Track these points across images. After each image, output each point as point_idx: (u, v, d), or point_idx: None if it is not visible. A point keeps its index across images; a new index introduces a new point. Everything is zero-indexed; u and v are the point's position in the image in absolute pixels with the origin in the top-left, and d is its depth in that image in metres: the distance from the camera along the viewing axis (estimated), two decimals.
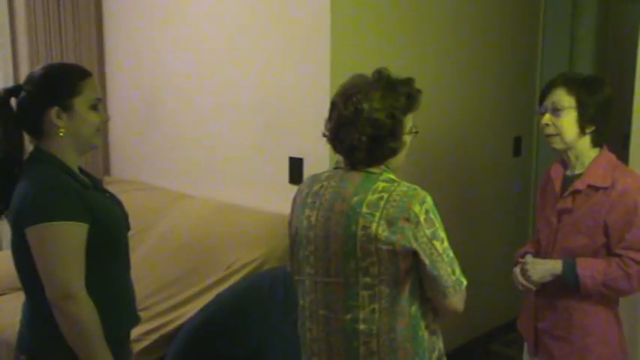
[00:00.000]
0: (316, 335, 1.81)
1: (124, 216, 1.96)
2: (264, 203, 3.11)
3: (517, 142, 3.86)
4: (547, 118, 2.04)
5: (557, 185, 2.12)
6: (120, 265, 1.92)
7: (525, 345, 2.33)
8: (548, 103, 2.05)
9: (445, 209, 3.27)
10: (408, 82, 1.76)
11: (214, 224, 3.07)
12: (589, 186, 2.01)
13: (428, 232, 1.65)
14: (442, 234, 1.68)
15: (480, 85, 3.54)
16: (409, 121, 1.77)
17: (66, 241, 1.69)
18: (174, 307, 2.79)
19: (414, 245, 1.64)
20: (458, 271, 1.71)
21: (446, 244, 1.69)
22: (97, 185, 1.92)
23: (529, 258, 2.14)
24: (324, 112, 1.76)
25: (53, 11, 3.58)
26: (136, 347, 2.57)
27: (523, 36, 3.83)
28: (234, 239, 2.92)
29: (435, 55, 3.21)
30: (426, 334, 1.77)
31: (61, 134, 1.78)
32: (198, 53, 3.37)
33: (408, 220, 1.63)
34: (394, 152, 1.74)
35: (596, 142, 2.06)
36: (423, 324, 1.76)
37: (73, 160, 1.84)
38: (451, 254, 1.70)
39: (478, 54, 3.48)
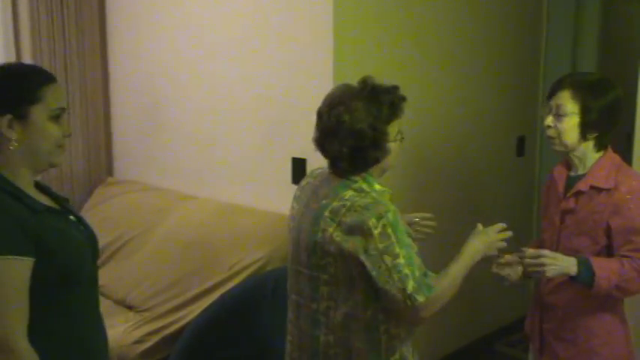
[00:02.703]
0: (291, 317, 1.93)
1: (91, 242, 1.68)
2: (267, 204, 3.10)
3: (520, 142, 3.86)
4: (549, 120, 2.01)
5: (561, 186, 2.10)
6: (81, 303, 1.62)
7: (531, 345, 2.32)
8: (553, 104, 2.01)
9: (448, 209, 3.26)
10: (392, 90, 1.78)
11: (217, 225, 3.07)
12: (592, 187, 1.99)
13: (380, 245, 1.66)
14: (397, 250, 1.67)
15: (483, 85, 3.54)
16: (394, 128, 1.80)
17: (2, 281, 1.42)
18: (178, 308, 2.79)
19: (362, 257, 1.68)
20: (411, 287, 1.66)
21: (400, 260, 1.67)
22: (62, 206, 1.66)
23: (547, 252, 1.99)
24: None
25: (57, 13, 3.58)
26: (139, 348, 2.58)
27: (526, 35, 3.82)
28: (238, 240, 2.92)
29: (437, 56, 3.21)
30: (384, 337, 1.78)
31: (11, 148, 1.51)
32: (201, 54, 3.37)
33: (361, 232, 1.67)
34: (377, 161, 1.78)
35: (600, 146, 2.02)
36: (382, 328, 1.77)
37: (25, 177, 1.56)
38: (404, 271, 1.66)
39: (481, 53, 3.47)
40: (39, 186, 1.65)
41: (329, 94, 1.82)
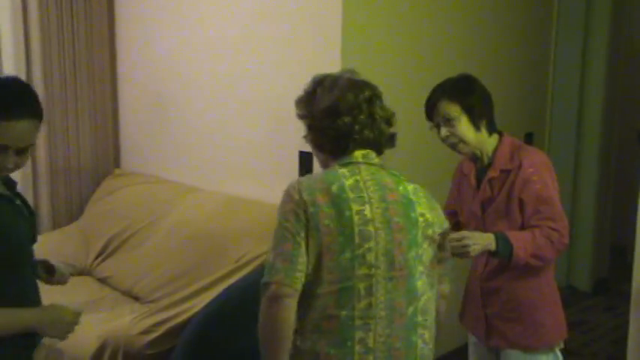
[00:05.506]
0: (372, 345, 1.67)
1: (31, 226, 1.79)
2: (273, 197, 3.09)
3: (528, 138, 3.84)
4: (444, 131, 2.15)
5: (472, 179, 2.24)
6: (24, 286, 1.74)
7: (470, 337, 2.40)
8: (437, 117, 2.15)
9: None
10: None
11: (224, 217, 3.07)
12: (501, 171, 2.15)
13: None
14: None
15: (493, 81, 3.50)
16: None
17: None
18: (184, 300, 2.79)
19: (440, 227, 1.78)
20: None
21: None
22: (10, 190, 1.75)
23: (466, 232, 2.08)
24: None
25: (66, 8, 3.61)
26: (146, 339, 2.58)
27: (536, 31, 3.81)
28: (244, 232, 2.92)
29: (447, 52, 3.20)
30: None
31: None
32: (209, 48, 3.37)
33: (436, 209, 1.79)
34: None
35: (491, 130, 2.19)
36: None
37: None
38: None
39: (491, 49, 3.46)
40: None
41: (356, 84, 1.88)
